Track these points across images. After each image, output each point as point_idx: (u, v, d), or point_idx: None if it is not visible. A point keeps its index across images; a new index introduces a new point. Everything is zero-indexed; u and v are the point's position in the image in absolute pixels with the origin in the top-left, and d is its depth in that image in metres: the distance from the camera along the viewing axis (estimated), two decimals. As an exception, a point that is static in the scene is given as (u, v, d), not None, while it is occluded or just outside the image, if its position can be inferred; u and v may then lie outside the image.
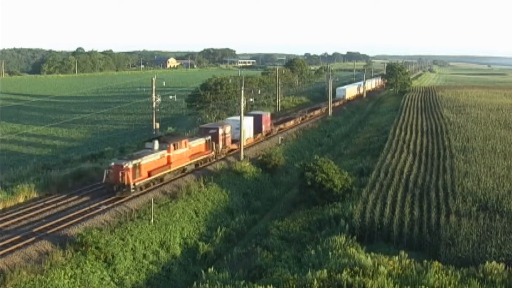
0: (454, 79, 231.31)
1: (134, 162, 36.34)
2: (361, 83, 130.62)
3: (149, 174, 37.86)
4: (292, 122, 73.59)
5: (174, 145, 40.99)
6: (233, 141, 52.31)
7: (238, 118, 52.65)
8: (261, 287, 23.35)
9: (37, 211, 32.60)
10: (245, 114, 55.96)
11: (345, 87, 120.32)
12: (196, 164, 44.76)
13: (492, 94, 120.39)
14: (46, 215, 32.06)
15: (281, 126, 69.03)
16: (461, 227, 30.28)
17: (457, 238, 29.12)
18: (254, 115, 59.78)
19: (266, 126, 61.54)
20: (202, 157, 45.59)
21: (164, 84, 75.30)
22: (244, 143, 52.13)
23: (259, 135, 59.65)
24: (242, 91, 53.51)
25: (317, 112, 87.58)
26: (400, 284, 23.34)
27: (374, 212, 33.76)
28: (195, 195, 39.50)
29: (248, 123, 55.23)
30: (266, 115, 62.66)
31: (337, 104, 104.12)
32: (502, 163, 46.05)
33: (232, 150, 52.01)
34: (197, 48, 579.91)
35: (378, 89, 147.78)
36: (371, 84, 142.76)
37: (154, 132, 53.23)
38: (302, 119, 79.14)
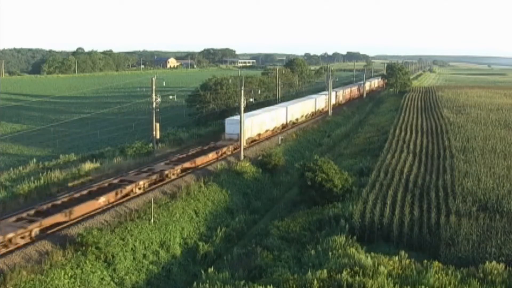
0: (454, 79, 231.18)
1: None
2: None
3: None
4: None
5: None
6: None
7: None
8: (261, 287, 23.34)
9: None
10: None
11: (248, 115, 57.05)
12: None
13: (492, 94, 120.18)
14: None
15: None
16: (461, 227, 30.26)
17: (457, 238, 29.10)
18: None
19: None
20: None
21: (164, 84, 75.29)
22: None
23: None
24: (242, 91, 53.45)
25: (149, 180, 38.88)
26: (400, 284, 23.32)
27: (374, 212, 33.74)
28: (195, 195, 39.49)
29: None
30: None
31: (207, 159, 47.08)
32: (502, 163, 46.00)
33: None
34: (197, 48, 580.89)
35: (377, 89, 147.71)
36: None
37: (154, 133, 53.14)
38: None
